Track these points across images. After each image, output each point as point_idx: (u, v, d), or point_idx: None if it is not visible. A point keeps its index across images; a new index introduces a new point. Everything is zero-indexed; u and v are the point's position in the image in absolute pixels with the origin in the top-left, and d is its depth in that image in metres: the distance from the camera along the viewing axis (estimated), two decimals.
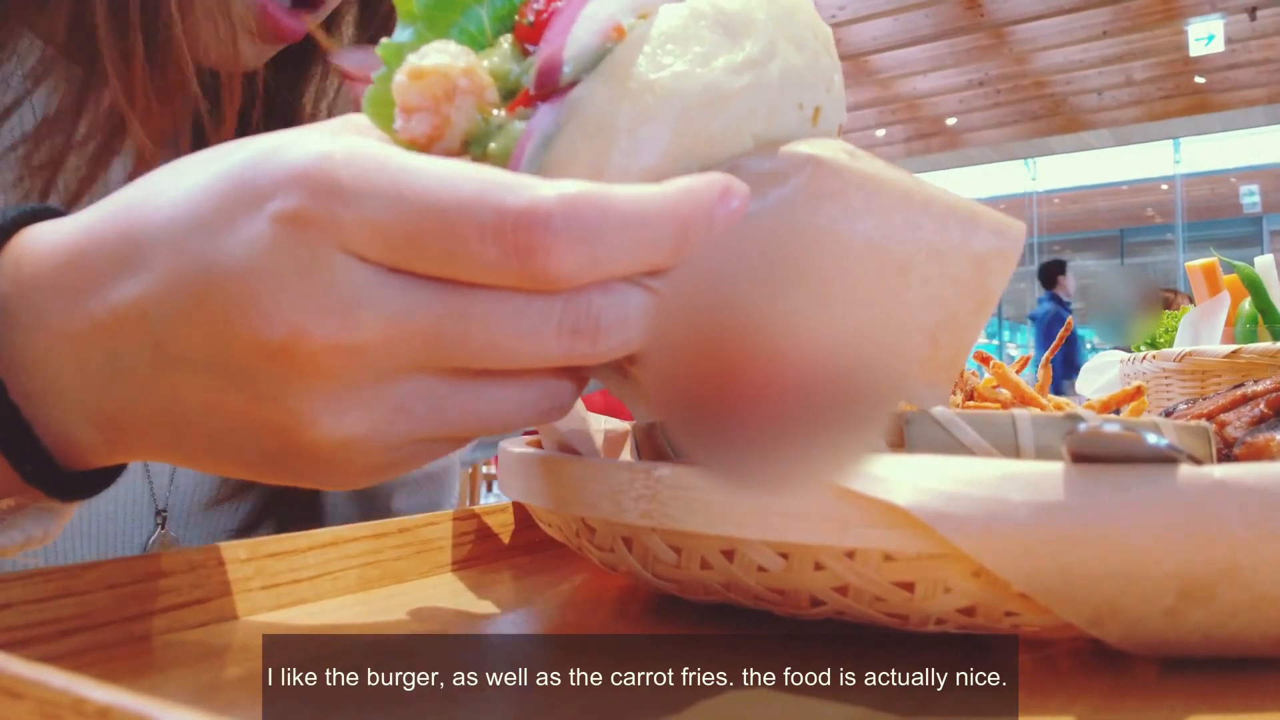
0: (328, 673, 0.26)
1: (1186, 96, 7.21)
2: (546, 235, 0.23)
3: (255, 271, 0.24)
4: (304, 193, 0.23)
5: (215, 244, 0.24)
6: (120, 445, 0.29)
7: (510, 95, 0.27)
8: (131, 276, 0.26)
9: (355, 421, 0.25)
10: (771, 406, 0.25)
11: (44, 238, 0.28)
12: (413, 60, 0.26)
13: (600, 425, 0.44)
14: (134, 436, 0.28)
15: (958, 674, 0.26)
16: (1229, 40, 5.97)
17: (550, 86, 0.26)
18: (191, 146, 0.51)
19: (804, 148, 0.27)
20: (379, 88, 0.28)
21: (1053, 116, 7.74)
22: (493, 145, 0.26)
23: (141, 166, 0.48)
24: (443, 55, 0.26)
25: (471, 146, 0.26)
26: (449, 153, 0.26)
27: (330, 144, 0.24)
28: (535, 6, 0.27)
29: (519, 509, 0.45)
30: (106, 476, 0.30)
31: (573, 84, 0.26)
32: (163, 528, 0.53)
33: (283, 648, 0.29)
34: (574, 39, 0.26)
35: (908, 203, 0.28)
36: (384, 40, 0.28)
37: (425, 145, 0.26)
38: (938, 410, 0.29)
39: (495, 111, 0.26)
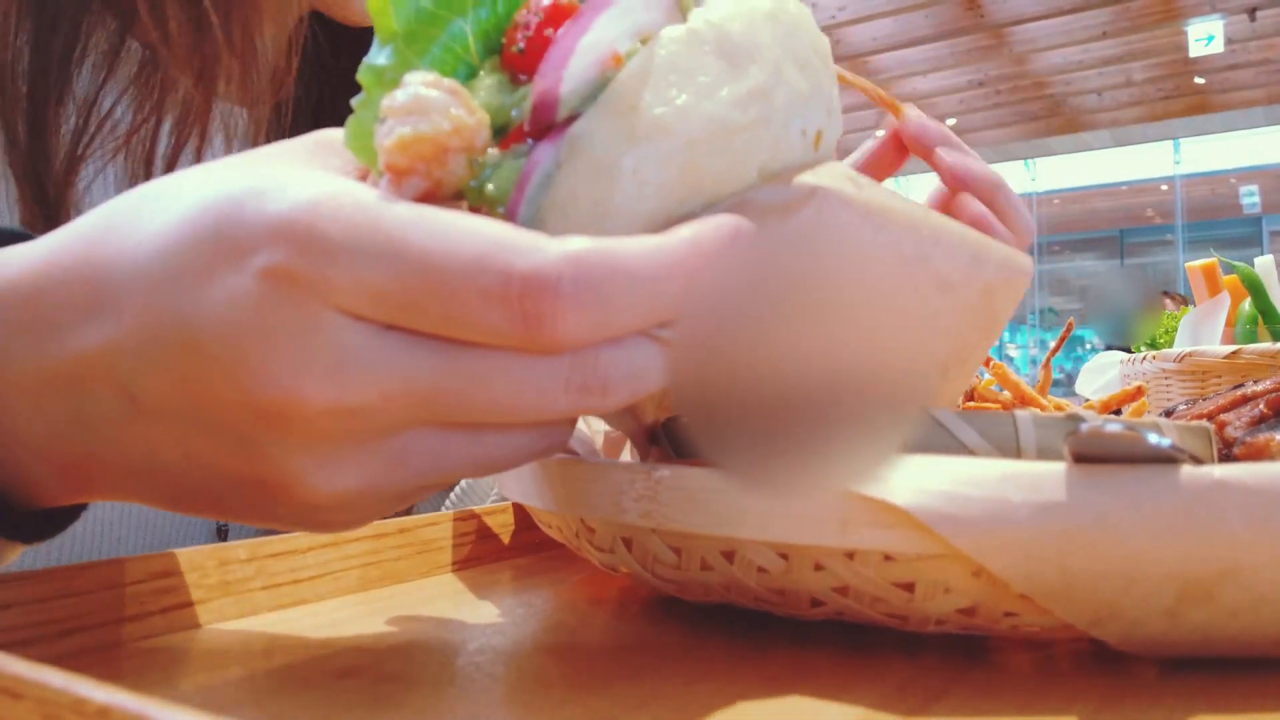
0: (328, 673, 0.26)
1: (1186, 97, 7.21)
2: (556, 301, 0.21)
3: (241, 331, 0.22)
4: (290, 249, 0.22)
5: (193, 298, 0.23)
6: (86, 490, 0.28)
7: (503, 130, 0.25)
8: (97, 323, 0.24)
9: (351, 478, 0.24)
10: (789, 433, 0.25)
11: (5, 269, 0.26)
12: (393, 106, 0.23)
13: (600, 426, 0.44)
14: (101, 483, 0.27)
15: (957, 674, 0.26)
16: (1229, 41, 5.97)
17: (547, 123, 0.25)
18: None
19: (809, 178, 0.26)
20: (360, 117, 0.26)
21: (1052, 117, 7.74)
22: (490, 187, 0.25)
23: (187, 120, 0.47)
24: (426, 90, 0.23)
25: (467, 192, 0.25)
26: (441, 200, 0.24)
27: (315, 190, 0.23)
28: (525, 33, 0.26)
29: (519, 509, 0.45)
30: (68, 516, 0.29)
31: (571, 118, 0.25)
32: (223, 538, 0.52)
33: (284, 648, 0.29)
34: (571, 73, 0.25)
35: (915, 235, 0.27)
36: (363, 63, 0.26)
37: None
38: (939, 411, 0.29)
39: (490, 150, 0.25)
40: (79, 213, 0.41)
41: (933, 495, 0.24)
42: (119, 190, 0.48)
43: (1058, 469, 0.24)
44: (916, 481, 0.24)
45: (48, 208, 0.44)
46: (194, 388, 0.23)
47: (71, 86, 0.45)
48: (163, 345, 0.24)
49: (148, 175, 0.47)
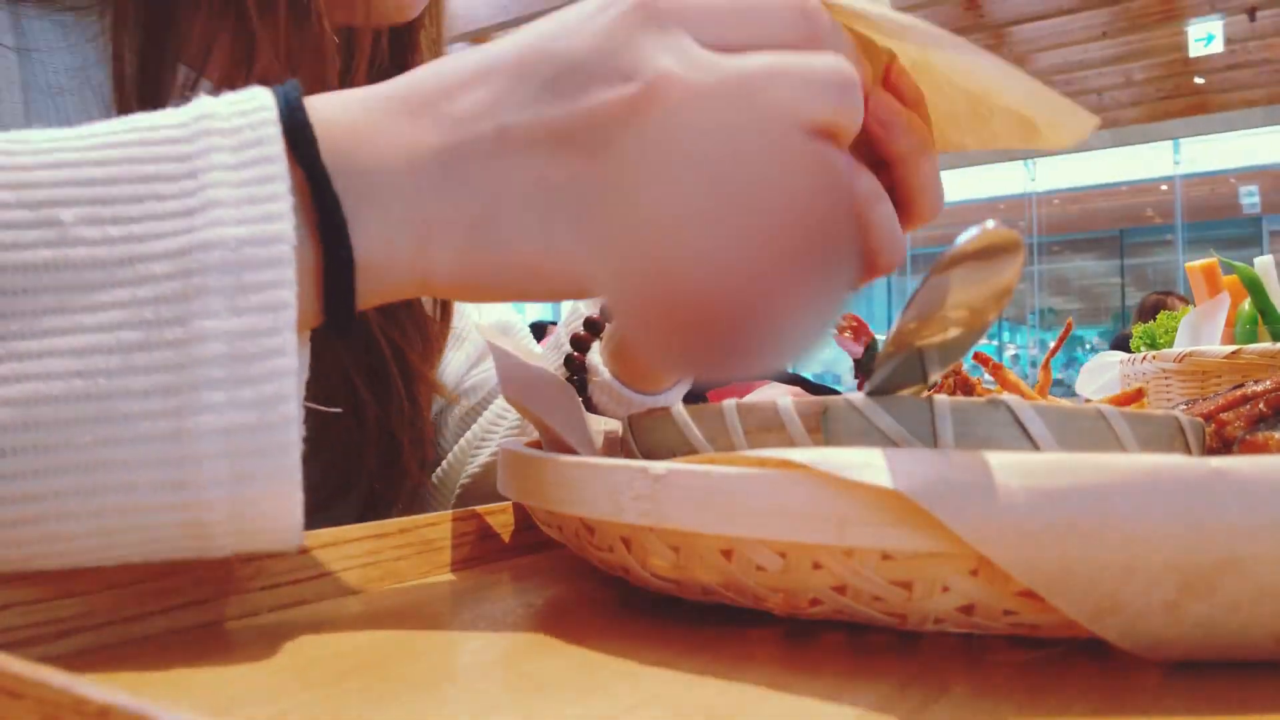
0: (328, 673, 0.26)
1: (1186, 97, 7.21)
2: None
3: (614, 42, 0.29)
4: None
5: (569, 35, 0.30)
6: (427, 254, 0.30)
7: None
8: (483, 85, 0.30)
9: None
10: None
11: (339, 99, 0.30)
12: None
13: (600, 425, 0.44)
14: (444, 240, 0.30)
15: (957, 674, 0.26)
16: (1228, 41, 5.97)
17: None
18: None
19: None
20: None
21: None
22: None
23: None
24: None
25: None
26: None
27: None
28: None
29: (519, 509, 0.45)
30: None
31: None
32: None
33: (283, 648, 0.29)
34: None
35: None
36: None
37: None
38: (855, 397, 0.30)
39: None
40: None
41: (929, 479, 0.24)
42: None
43: (1055, 455, 0.24)
44: (913, 467, 0.24)
45: None
46: (564, 103, 0.29)
47: (175, 77, 0.48)
48: (539, 77, 0.30)
49: None
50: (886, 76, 0.36)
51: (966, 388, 0.50)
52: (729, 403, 0.31)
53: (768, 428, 0.31)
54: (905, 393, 0.30)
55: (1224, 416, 0.40)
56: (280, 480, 0.26)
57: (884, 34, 0.34)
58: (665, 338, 0.32)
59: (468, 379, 0.66)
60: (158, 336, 0.26)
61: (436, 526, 0.40)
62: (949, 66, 0.36)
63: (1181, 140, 8.52)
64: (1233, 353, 0.80)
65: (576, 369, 0.59)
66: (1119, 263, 10.69)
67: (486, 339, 0.41)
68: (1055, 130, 0.36)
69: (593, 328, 0.60)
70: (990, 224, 0.27)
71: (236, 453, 0.26)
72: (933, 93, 0.37)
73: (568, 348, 0.60)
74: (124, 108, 0.47)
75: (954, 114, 0.38)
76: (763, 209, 0.29)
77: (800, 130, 0.30)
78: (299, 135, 0.28)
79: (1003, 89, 0.35)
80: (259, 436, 0.26)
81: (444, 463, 0.65)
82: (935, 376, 0.31)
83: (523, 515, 0.45)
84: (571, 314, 0.63)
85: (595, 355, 0.59)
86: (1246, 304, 0.98)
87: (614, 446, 0.43)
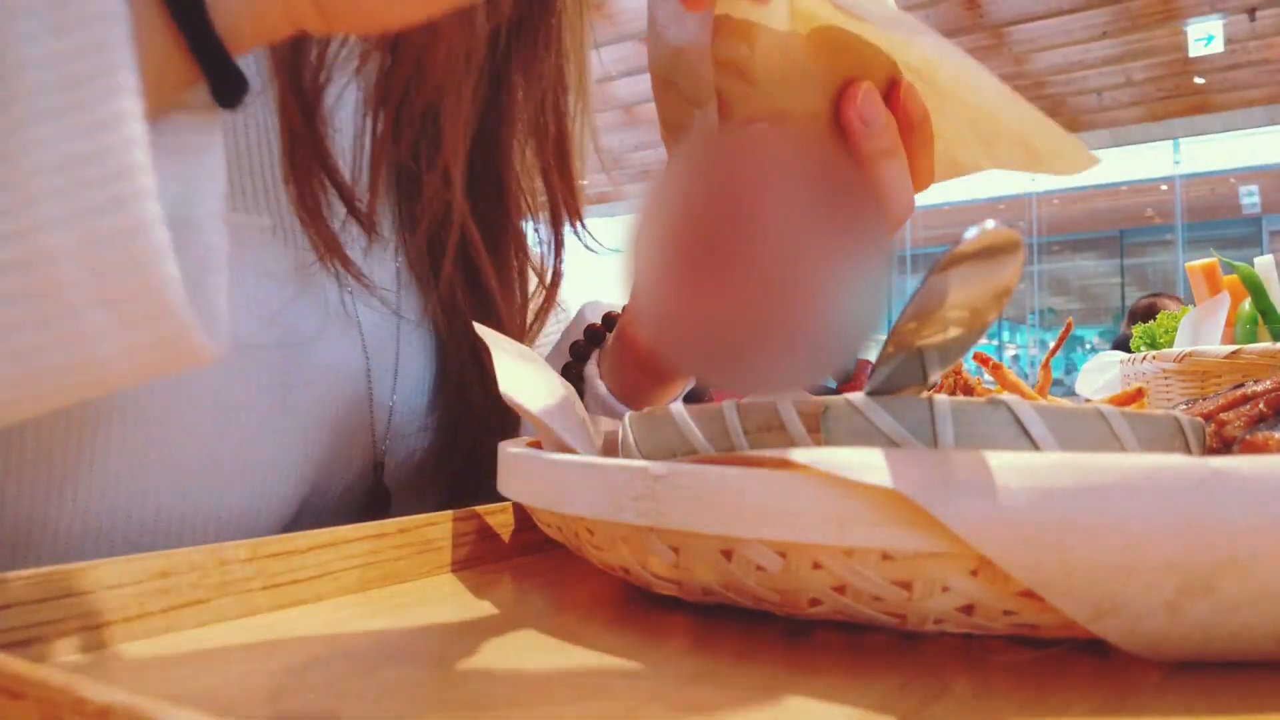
0: (328, 673, 0.26)
1: (1186, 97, 7.21)
2: None
3: None
4: None
5: None
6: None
7: None
8: None
9: None
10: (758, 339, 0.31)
11: None
12: None
13: (600, 426, 0.44)
14: None
15: (957, 674, 0.26)
16: (1228, 41, 5.97)
17: None
18: None
19: None
20: None
21: (1052, 117, 7.72)
22: None
23: None
24: None
25: None
26: None
27: None
28: None
29: (519, 509, 0.45)
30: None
31: None
32: (379, 475, 0.54)
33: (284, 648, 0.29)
34: None
35: None
36: None
37: None
38: (855, 397, 0.30)
39: None
40: (329, 125, 0.46)
41: (930, 480, 0.24)
42: (358, 112, 0.50)
43: (1055, 455, 0.24)
44: (913, 467, 0.24)
45: (305, 103, 0.45)
46: None
47: None
48: None
49: (377, 101, 0.49)
50: (895, 93, 0.36)
51: (966, 388, 0.50)
52: (729, 403, 0.31)
53: (768, 428, 0.31)
54: (905, 393, 0.30)
55: (1224, 416, 0.40)
56: (132, 212, 0.22)
57: (885, 26, 0.34)
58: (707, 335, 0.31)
59: None
60: None
61: (436, 526, 0.40)
62: (954, 80, 0.36)
63: (1181, 140, 8.51)
64: (1233, 353, 0.80)
65: (573, 379, 0.59)
66: (1119, 263, 10.68)
67: (486, 340, 0.41)
68: (1058, 159, 0.37)
69: (594, 337, 0.60)
70: (990, 224, 0.26)
71: (74, 186, 0.22)
72: (937, 116, 0.37)
73: (567, 356, 0.61)
74: None
75: (960, 134, 0.38)
76: None
77: None
78: None
79: (1004, 112, 0.35)
80: (99, 164, 0.22)
81: None
82: (935, 376, 0.31)
83: (523, 515, 0.45)
84: (575, 322, 0.63)
85: (592, 366, 0.59)
86: (1246, 304, 0.98)
87: (614, 446, 0.43)
